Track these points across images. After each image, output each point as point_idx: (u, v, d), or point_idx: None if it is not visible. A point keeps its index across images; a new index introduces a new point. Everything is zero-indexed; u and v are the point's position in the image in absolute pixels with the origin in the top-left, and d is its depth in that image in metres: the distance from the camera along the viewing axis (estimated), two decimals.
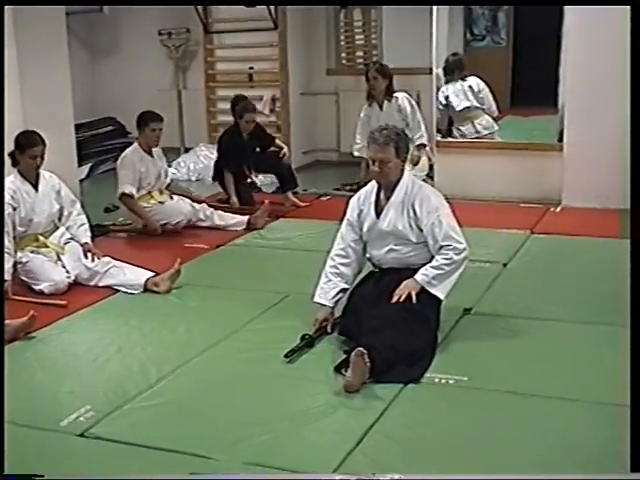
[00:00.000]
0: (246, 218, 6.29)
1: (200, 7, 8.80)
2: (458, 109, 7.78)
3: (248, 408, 3.27)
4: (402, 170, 3.91)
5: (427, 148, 7.08)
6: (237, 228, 6.25)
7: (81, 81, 8.65)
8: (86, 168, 8.75)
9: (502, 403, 3.28)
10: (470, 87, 7.80)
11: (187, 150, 9.34)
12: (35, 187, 4.98)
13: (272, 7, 8.40)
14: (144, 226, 6.13)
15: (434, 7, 7.48)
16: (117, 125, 9.64)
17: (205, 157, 8.76)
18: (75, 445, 3.02)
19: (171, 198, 6.36)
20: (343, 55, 9.46)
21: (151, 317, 4.41)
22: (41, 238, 4.99)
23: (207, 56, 9.11)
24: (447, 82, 7.82)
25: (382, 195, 3.97)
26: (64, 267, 4.93)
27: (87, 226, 5.17)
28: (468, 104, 7.79)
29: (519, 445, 2.94)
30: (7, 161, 4.96)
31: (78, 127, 7.58)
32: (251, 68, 8.96)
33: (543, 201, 6.88)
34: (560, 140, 6.99)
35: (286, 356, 3.69)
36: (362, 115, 7.02)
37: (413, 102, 6.99)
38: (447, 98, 7.76)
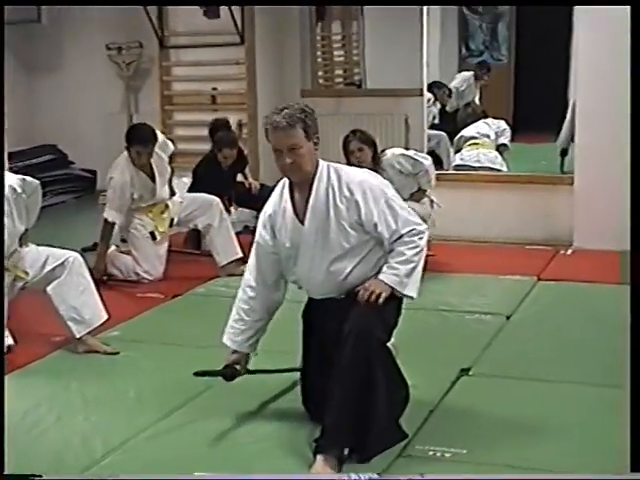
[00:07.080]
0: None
1: (155, 18, 8.85)
2: (466, 136, 8.08)
3: None
4: (317, 159, 3.53)
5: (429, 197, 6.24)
6: (222, 260, 6.24)
7: (15, 102, 8.65)
8: None
9: None
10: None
11: None
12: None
13: (238, 19, 8.47)
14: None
15: (424, 19, 7.60)
16: (58, 154, 9.63)
17: None
18: None
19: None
20: (320, 74, 9.53)
21: (96, 380, 4.39)
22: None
23: (163, 75, 9.15)
24: None
25: (297, 196, 3.56)
26: None
27: None
28: (475, 132, 8.02)
29: None
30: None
31: (11, 156, 7.55)
32: (214, 89, 9.01)
33: (552, 242, 6.94)
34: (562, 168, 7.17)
35: (196, 374, 3.82)
36: None
37: (409, 153, 6.15)
38: None
